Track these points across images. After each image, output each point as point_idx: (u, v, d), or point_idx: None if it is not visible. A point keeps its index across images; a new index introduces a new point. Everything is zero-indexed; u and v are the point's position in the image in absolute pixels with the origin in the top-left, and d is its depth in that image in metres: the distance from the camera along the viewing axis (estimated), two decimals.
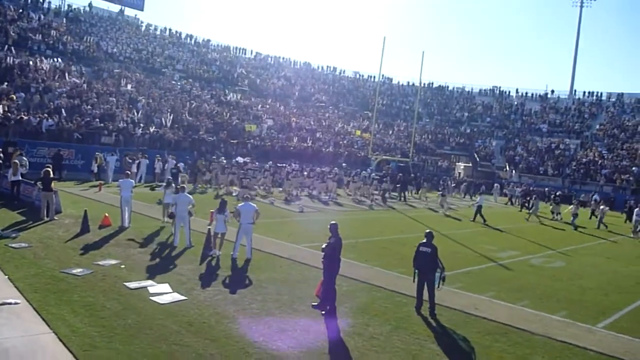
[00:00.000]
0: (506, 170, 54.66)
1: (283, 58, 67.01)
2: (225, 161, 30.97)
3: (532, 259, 17.37)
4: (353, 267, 13.07)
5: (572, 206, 30.48)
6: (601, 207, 29.64)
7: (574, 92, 69.42)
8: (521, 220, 28.67)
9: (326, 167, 36.65)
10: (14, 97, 28.90)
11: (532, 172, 52.58)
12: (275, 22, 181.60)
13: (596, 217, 29.34)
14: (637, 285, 14.81)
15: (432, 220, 24.69)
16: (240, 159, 33.14)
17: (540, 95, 68.92)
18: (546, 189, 45.93)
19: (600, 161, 51.04)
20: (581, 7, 70.89)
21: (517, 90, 70.83)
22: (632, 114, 60.37)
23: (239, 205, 13.39)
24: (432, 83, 74.35)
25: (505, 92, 71.28)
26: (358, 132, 51.98)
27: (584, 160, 51.83)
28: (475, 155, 58.07)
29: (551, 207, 32.42)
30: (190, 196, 14.62)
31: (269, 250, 14.25)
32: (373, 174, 38.62)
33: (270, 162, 34.15)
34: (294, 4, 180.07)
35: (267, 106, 50.00)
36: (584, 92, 67.36)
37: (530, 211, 29.31)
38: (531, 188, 42.90)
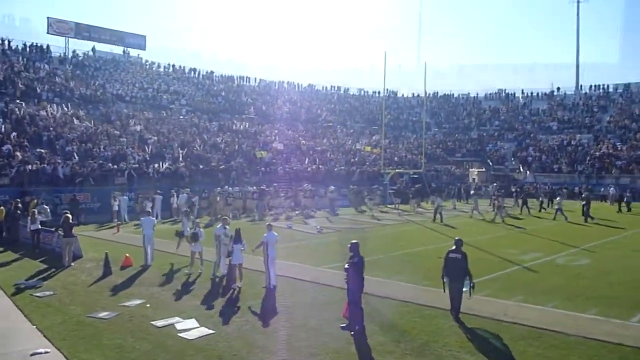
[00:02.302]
0: (520, 171, 54.29)
1: (287, 82, 67.67)
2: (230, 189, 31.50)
3: (556, 259, 17.15)
4: (378, 284, 12.95)
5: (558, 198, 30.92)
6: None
7: (580, 87, 69.16)
8: (533, 221, 28.43)
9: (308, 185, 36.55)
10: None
11: (546, 171, 52.16)
12: (278, 46, 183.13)
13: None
14: None
15: (450, 231, 24.53)
16: (264, 186, 33.48)
17: (546, 94, 68.73)
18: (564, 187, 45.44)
19: (614, 153, 50.56)
20: (578, 2, 71.12)
21: (522, 90, 70.76)
22: None
23: (265, 235, 13.23)
24: (438, 92, 74.52)
25: (511, 94, 71.20)
26: (368, 148, 52.08)
27: (597, 154, 51.34)
28: (488, 160, 57.81)
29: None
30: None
31: (291, 275, 14.19)
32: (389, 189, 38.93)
33: (254, 186, 34.07)
34: (295, 27, 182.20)
35: (276, 131, 50.30)
36: (590, 86, 67.08)
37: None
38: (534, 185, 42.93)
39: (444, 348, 8.84)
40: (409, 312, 10.86)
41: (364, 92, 73.93)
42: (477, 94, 72.70)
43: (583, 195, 31.89)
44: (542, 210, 33.54)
